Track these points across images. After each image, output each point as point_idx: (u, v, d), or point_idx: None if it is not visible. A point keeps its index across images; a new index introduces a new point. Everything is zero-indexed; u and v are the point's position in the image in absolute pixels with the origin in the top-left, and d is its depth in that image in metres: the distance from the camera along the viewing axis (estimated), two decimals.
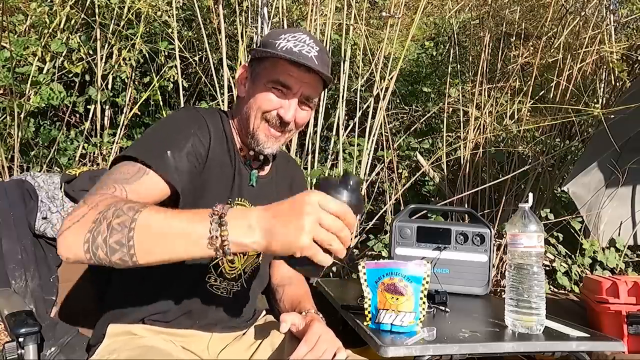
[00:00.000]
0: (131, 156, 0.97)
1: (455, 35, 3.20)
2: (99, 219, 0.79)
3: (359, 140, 2.68)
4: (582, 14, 2.91)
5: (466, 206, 2.66)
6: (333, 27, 2.66)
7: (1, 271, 1.17)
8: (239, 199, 1.15)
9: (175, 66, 2.60)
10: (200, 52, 2.93)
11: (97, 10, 2.62)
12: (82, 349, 1.16)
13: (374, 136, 2.62)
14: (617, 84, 2.91)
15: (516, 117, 2.92)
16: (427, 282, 1.18)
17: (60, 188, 1.31)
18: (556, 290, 2.42)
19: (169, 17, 2.61)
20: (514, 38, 3.13)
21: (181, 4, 2.93)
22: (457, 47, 3.25)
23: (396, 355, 1.04)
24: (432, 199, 3.02)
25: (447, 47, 3.60)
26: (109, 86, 2.83)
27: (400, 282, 1.15)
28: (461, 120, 2.94)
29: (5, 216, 1.21)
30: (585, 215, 2.45)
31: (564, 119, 2.65)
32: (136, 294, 1.09)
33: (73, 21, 2.69)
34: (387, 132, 2.74)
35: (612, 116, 2.21)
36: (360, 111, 2.69)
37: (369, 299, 1.20)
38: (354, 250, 2.51)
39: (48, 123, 2.84)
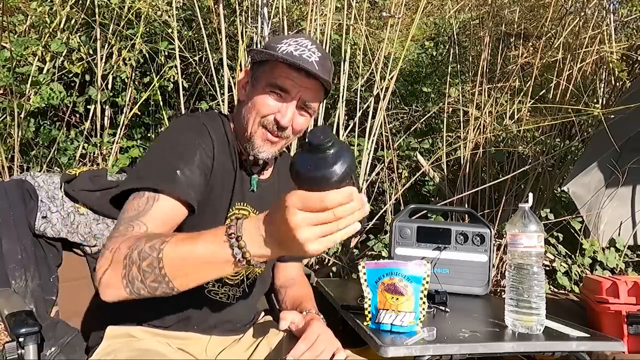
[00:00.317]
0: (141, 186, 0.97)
1: (455, 35, 3.20)
2: (127, 264, 0.82)
3: (359, 140, 2.68)
4: (582, 14, 2.91)
5: (466, 206, 2.66)
6: (333, 27, 2.66)
7: (1, 271, 1.17)
8: (242, 204, 1.14)
9: (175, 66, 2.60)
10: (200, 52, 2.93)
11: (97, 10, 2.62)
12: (82, 349, 1.16)
13: (374, 136, 2.62)
14: (617, 84, 2.91)
15: (516, 117, 2.92)
16: (427, 282, 1.18)
17: (60, 188, 1.31)
18: (556, 290, 2.42)
19: (169, 17, 2.61)
20: (514, 38, 3.13)
21: (181, 4, 2.93)
22: (457, 47, 3.25)
23: (396, 355, 1.04)
24: (432, 199, 3.02)
25: (447, 47, 3.60)
26: (109, 86, 2.83)
27: (400, 282, 1.15)
28: (461, 120, 2.93)
29: (5, 216, 1.21)
30: (585, 215, 2.45)
31: (564, 119, 2.64)
32: (135, 301, 1.09)
33: (73, 21, 2.69)
34: (387, 132, 2.73)
35: (612, 116, 2.21)
36: (360, 111, 2.69)
37: (369, 299, 1.20)
38: (354, 250, 2.51)
39: (48, 123, 2.84)
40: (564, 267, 2.44)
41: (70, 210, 1.29)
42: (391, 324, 1.14)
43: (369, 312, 1.20)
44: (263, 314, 1.31)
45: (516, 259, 1.23)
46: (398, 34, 2.70)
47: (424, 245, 1.67)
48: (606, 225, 2.52)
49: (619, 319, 1.61)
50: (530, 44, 3.05)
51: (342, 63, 2.68)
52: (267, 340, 1.17)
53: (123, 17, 2.66)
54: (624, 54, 2.85)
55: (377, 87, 2.59)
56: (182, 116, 1.15)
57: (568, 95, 2.76)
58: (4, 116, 2.47)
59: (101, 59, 2.68)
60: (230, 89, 2.50)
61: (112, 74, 2.78)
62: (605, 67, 2.99)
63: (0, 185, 1.27)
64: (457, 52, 3.26)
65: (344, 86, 2.65)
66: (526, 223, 1.22)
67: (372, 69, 2.63)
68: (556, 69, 2.86)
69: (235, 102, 1.23)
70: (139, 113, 2.93)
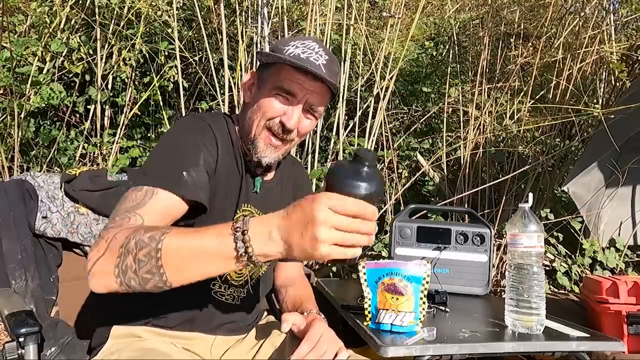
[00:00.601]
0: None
1: (455, 35, 3.20)
2: (122, 253, 0.80)
3: (359, 140, 2.68)
4: (582, 14, 2.91)
5: (466, 206, 2.66)
6: (333, 27, 2.66)
7: (1, 271, 1.18)
8: (246, 205, 1.14)
9: (175, 66, 2.60)
10: (200, 52, 2.93)
11: (97, 10, 2.62)
12: (82, 349, 1.16)
13: (374, 136, 2.62)
14: (617, 84, 2.91)
15: (516, 117, 2.92)
16: (427, 282, 1.18)
17: (60, 188, 1.31)
18: (556, 290, 2.42)
19: (169, 17, 2.61)
20: (514, 38, 3.13)
21: (181, 4, 2.93)
22: (457, 47, 3.25)
23: (396, 355, 1.04)
24: (432, 199, 3.02)
25: (447, 47, 3.61)
26: (109, 86, 2.83)
27: (400, 282, 1.15)
28: (461, 120, 2.93)
29: (5, 216, 1.21)
30: (585, 215, 2.45)
31: (564, 119, 2.65)
32: (139, 299, 1.08)
33: (73, 21, 2.69)
34: (387, 132, 2.74)
35: (612, 116, 2.21)
36: (360, 111, 2.69)
37: (369, 299, 1.20)
38: None
39: (48, 123, 2.84)
40: (564, 267, 2.44)
41: (71, 210, 1.30)
42: (391, 324, 1.14)
43: (369, 312, 1.20)
44: (266, 314, 1.32)
45: (516, 259, 1.23)
46: (398, 34, 2.70)
47: (424, 245, 1.67)
48: (606, 225, 2.52)
49: (619, 319, 1.61)
50: (530, 44, 3.05)
51: (342, 63, 2.68)
52: (270, 341, 1.17)
53: (123, 17, 2.66)
54: (624, 54, 2.85)
55: (377, 87, 2.59)
56: (187, 116, 1.14)
57: (568, 95, 2.76)
58: (4, 116, 2.47)
59: (101, 59, 2.69)
60: (230, 89, 2.50)
61: (112, 74, 2.78)
62: (605, 67, 2.99)
63: (0, 185, 1.27)
64: (457, 52, 3.26)
65: (344, 86, 2.65)
66: (526, 223, 1.22)
67: (372, 69, 2.63)
68: (556, 69, 2.86)
69: (241, 103, 1.22)
70: (139, 113, 2.93)
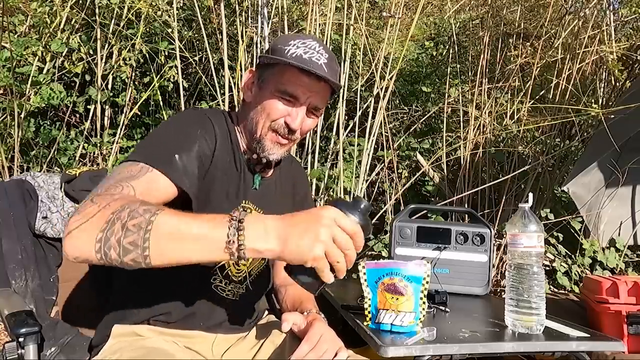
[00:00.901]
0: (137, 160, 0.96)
1: (455, 35, 3.20)
2: (112, 219, 0.78)
3: (359, 140, 2.68)
4: (582, 14, 2.91)
5: (466, 206, 2.66)
6: (333, 27, 2.66)
7: (1, 271, 1.18)
8: (244, 202, 1.14)
9: (176, 66, 2.60)
10: (200, 52, 2.93)
11: (97, 10, 2.62)
12: (82, 349, 1.16)
13: (374, 136, 2.62)
14: (617, 84, 2.92)
15: (516, 117, 2.92)
16: (427, 282, 1.18)
17: (60, 188, 1.31)
18: (556, 290, 2.42)
19: (169, 17, 2.61)
20: (514, 38, 3.13)
21: (181, 4, 2.93)
22: (457, 47, 3.25)
23: (396, 355, 1.04)
24: (432, 199, 3.02)
25: (447, 47, 3.61)
26: (109, 86, 2.83)
27: (400, 282, 1.15)
28: (461, 120, 2.94)
29: (5, 216, 1.21)
30: (585, 215, 2.45)
31: (564, 119, 2.65)
32: (140, 295, 1.09)
33: (73, 21, 2.69)
34: (387, 132, 2.74)
35: (612, 116, 2.21)
36: (360, 111, 2.69)
37: (369, 299, 1.20)
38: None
39: (48, 123, 2.84)
40: (564, 267, 2.44)
41: (71, 211, 1.30)
42: (391, 324, 1.14)
43: (369, 312, 1.20)
44: (266, 313, 1.32)
45: (516, 259, 1.23)
46: (398, 34, 2.70)
47: (424, 245, 1.67)
48: (606, 225, 2.52)
49: (619, 319, 1.61)
50: (530, 44, 3.05)
51: (342, 63, 2.68)
52: (271, 340, 1.17)
53: (123, 17, 2.66)
54: (624, 54, 2.85)
55: (377, 87, 2.59)
56: (188, 109, 1.15)
57: (568, 95, 2.76)
58: (4, 116, 2.47)
59: (101, 59, 2.69)
60: (230, 89, 2.50)
61: (112, 74, 2.78)
62: (605, 67, 3.00)
63: (0, 185, 1.27)
64: (457, 52, 3.26)
65: (344, 86, 2.65)
66: (526, 223, 1.22)
67: (372, 69, 2.63)
68: (556, 69, 2.86)
69: (240, 102, 1.22)
70: (139, 113, 2.93)
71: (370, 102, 2.64)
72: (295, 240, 0.76)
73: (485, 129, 2.84)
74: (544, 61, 2.91)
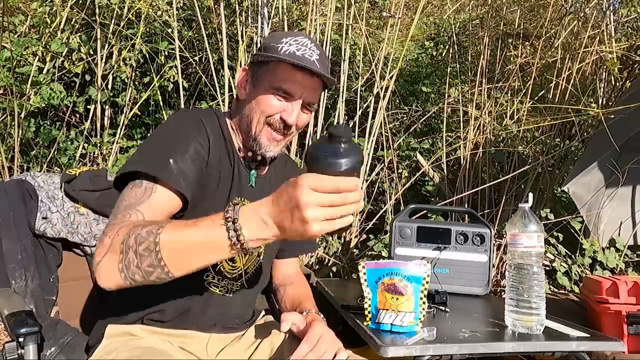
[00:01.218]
0: (135, 171, 0.98)
1: (455, 35, 3.20)
2: (124, 249, 0.83)
3: (359, 140, 2.68)
4: (582, 14, 2.91)
5: (466, 206, 2.66)
6: (333, 27, 2.66)
7: (1, 271, 1.17)
8: (239, 199, 1.15)
9: (175, 66, 2.60)
10: (200, 52, 2.93)
11: (97, 10, 2.62)
12: (82, 349, 1.16)
13: (373, 136, 2.62)
14: (617, 84, 2.91)
15: (516, 117, 2.92)
16: (427, 282, 1.18)
17: (60, 188, 1.31)
18: (556, 290, 2.42)
19: (169, 17, 2.61)
20: (514, 38, 3.13)
21: (181, 4, 2.93)
22: (457, 47, 3.25)
23: (396, 355, 1.04)
24: (432, 199, 3.02)
25: (447, 47, 3.61)
26: (109, 86, 2.83)
27: (400, 282, 1.15)
28: (461, 120, 2.94)
29: (5, 216, 1.21)
30: (585, 215, 2.45)
31: (564, 119, 2.65)
32: (135, 294, 1.08)
33: (73, 21, 2.69)
34: (387, 132, 2.74)
35: (612, 116, 2.20)
36: (360, 111, 2.69)
37: (369, 299, 1.20)
38: (354, 250, 2.51)
39: (48, 123, 2.84)
40: (564, 267, 2.44)
41: (71, 211, 1.30)
42: (391, 324, 1.14)
43: (369, 312, 1.20)
44: (264, 313, 1.31)
45: (516, 259, 1.23)
46: (398, 34, 2.70)
47: (424, 245, 1.67)
48: (606, 225, 2.52)
49: (619, 319, 1.61)
50: (530, 44, 3.05)
51: (342, 63, 2.68)
52: (268, 341, 1.17)
53: (123, 17, 2.66)
54: (624, 54, 2.85)
55: (377, 87, 2.59)
56: (180, 110, 1.17)
57: (568, 95, 2.76)
58: (4, 116, 2.47)
59: (101, 59, 2.69)
60: (230, 89, 2.50)
61: (112, 74, 2.78)
62: (605, 67, 3.00)
63: (0, 185, 1.27)
64: (457, 52, 3.26)
65: (343, 86, 2.65)
66: (526, 223, 1.22)
67: (372, 69, 2.63)
68: (556, 69, 2.86)
69: (234, 101, 1.23)
70: (139, 113, 2.93)
71: (370, 102, 2.64)
72: (288, 225, 0.77)
73: (485, 129, 2.84)
74: (544, 61, 2.91)
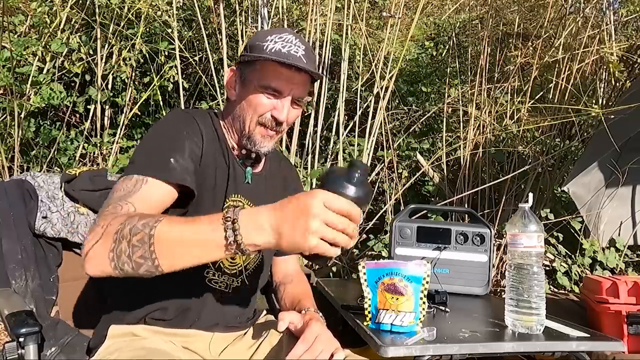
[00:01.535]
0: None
1: (455, 36, 3.20)
2: (117, 239, 0.83)
3: (359, 140, 2.68)
4: (582, 14, 2.91)
5: (466, 206, 2.66)
6: (333, 27, 2.66)
7: (1, 271, 1.17)
8: (235, 196, 1.15)
9: (175, 66, 2.60)
10: (200, 52, 2.93)
11: (97, 10, 2.62)
12: (82, 349, 1.16)
13: (373, 136, 2.62)
14: (617, 84, 2.91)
15: (516, 117, 2.92)
16: (427, 282, 1.18)
17: (60, 188, 1.31)
18: (556, 290, 2.42)
19: (169, 17, 2.61)
20: (514, 38, 3.13)
21: (181, 4, 2.93)
22: (456, 47, 3.25)
23: (396, 355, 1.04)
24: (432, 199, 3.02)
25: (447, 47, 3.61)
26: (109, 86, 2.83)
27: (400, 282, 1.15)
28: (461, 120, 2.94)
29: (5, 216, 1.21)
30: (585, 215, 2.45)
31: (564, 119, 2.65)
32: (136, 293, 1.09)
33: (73, 21, 2.69)
34: (387, 132, 2.74)
35: (612, 116, 2.21)
36: (360, 111, 2.69)
37: (369, 299, 1.20)
38: (354, 250, 2.51)
39: (48, 123, 2.84)
40: (564, 267, 2.44)
41: (71, 210, 1.30)
42: (391, 324, 1.14)
43: (369, 312, 1.20)
44: (265, 312, 1.32)
45: (516, 259, 1.23)
46: (398, 34, 2.70)
47: (424, 245, 1.67)
48: (606, 225, 2.52)
49: (619, 319, 1.61)
50: (530, 43, 3.05)
51: (342, 63, 2.68)
52: (269, 340, 1.17)
53: (123, 17, 2.66)
54: (624, 55, 2.85)
55: (377, 87, 2.59)
56: (172, 110, 1.18)
57: (568, 95, 2.76)
58: (4, 116, 2.47)
59: (101, 59, 2.69)
60: None
61: (112, 74, 2.78)
62: (605, 67, 2.99)
63: (0, 185, 1.27)
64: (457, 52, 3.26)
65: (343, 86, 2.65)
66: (526, 223, 1.22)
67: (372, 69, 2.63)
68: (556, 69, 2.86)
69: (224, 101, 1.24)
70: (139, 113, 2.93)
71: (370, 102, 2.64)
72: (288, 233, 0.78)
73: (485, 129, 2.84)
74: (544, 61, 2.91)
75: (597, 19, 2.93)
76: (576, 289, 2.34)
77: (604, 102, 2.95)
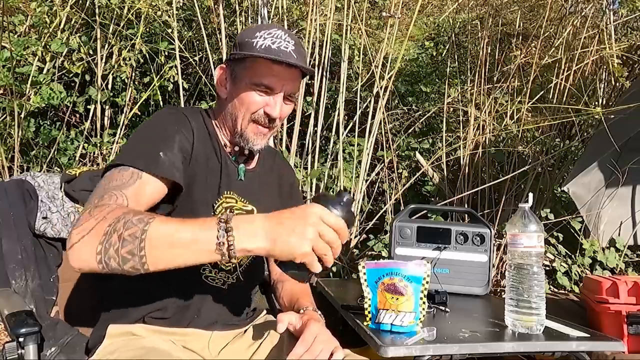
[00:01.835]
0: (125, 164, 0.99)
1: (455, 35, 3.20)
2: (109, 231, 0.83)
3: (359, 140, 2.68)
4: (582, 14, 2.91)
5: (466, 206, 2.66)
6: (333, 27, 2.66)
7: (1, 271, 1.17)
8: (228, 192, 1.16)
9: (175, 66, 2.60)
10: (200, 52, 2.93)
11: (97, 10, 2.62)
12: (82, 349, 1.16)
13: (373, 136, 2.62)
14: (617, 84, 2.91)
15: (516, 117, 2.92)
16: (427, 282, 1.18)
17: (60, 188, 1.31)
18: (556, 290, 2.42)
19: (169, 17, 2.61)
20: (514, 38, 3.13)
21: (181, 4, 2.93)
22: (456, 47, 3.24)
23: (396, 355, 1.04)
24: (432, 199, 3.02)
25: (447, 47, 3.61)
26: (109, 86, 2.83)
27: (400, 282, 1.15)
28: (461, 120, 2.94)
29: (5, 216, 1.21)
30: (585, 215, 2.45)
31: (564, 119, 2.65)
32: (134, 292, 1.09)
33: (73, 21, 2.69)
34: (386, 132, 2.74)
35: (612, 116, 2.21)
36: (360, 111, 2.69)
37: (369, 299, 1.20)
38: (354, 250, 2.51)
39: (48, 123, 2.84)
40: (564, 267, 2.44)
41: (71, 211, 1.29)
42: (391, 324, 1.14)
43: (369, 312, 1.20)
44: (264, 312, 1.31)
45: (516, 259, 1.23)
46: (397, 34, 2.70)
47: (424, 245, 1.67)
48: (606, 225, 2.52)
49: (619, 319, 1.61)
50: (530, 43, 3.05)
51: (341, 63, 2.68)
52: (269, 340, 1.17)
53: (123, 17, 2.66)
54: (624, 54, 2.84)
55: (377, 87, 2.59)
56: (164, 108, 1.18)
57: (568, 95, 2.76)
58: (4, 116, 2.47)
59: (101, 59, 2.69)
60: None
61: (112, 74, 2.78)
62: (605, 67, 3.00)
63: (0, 185, 1.27)
64: (456, 52, 3.26)
65: (343, 86, 2.65)
66: (526, 223, 1.22)
67: (372, 69, 2.63)
68: (556, 69, 2.86)
69: (215, 99, 1.24)
70: (139, 113, 2.93)
71: (370, 102, 2.64)
72: (283, 239, 0.80)
73: (485, 129, 2.84)
74: (544, 61, 2.91)
75: (597, 19, 2.93)
76: (576, 289, 2.34)
77: (604, 102, 2.95)
